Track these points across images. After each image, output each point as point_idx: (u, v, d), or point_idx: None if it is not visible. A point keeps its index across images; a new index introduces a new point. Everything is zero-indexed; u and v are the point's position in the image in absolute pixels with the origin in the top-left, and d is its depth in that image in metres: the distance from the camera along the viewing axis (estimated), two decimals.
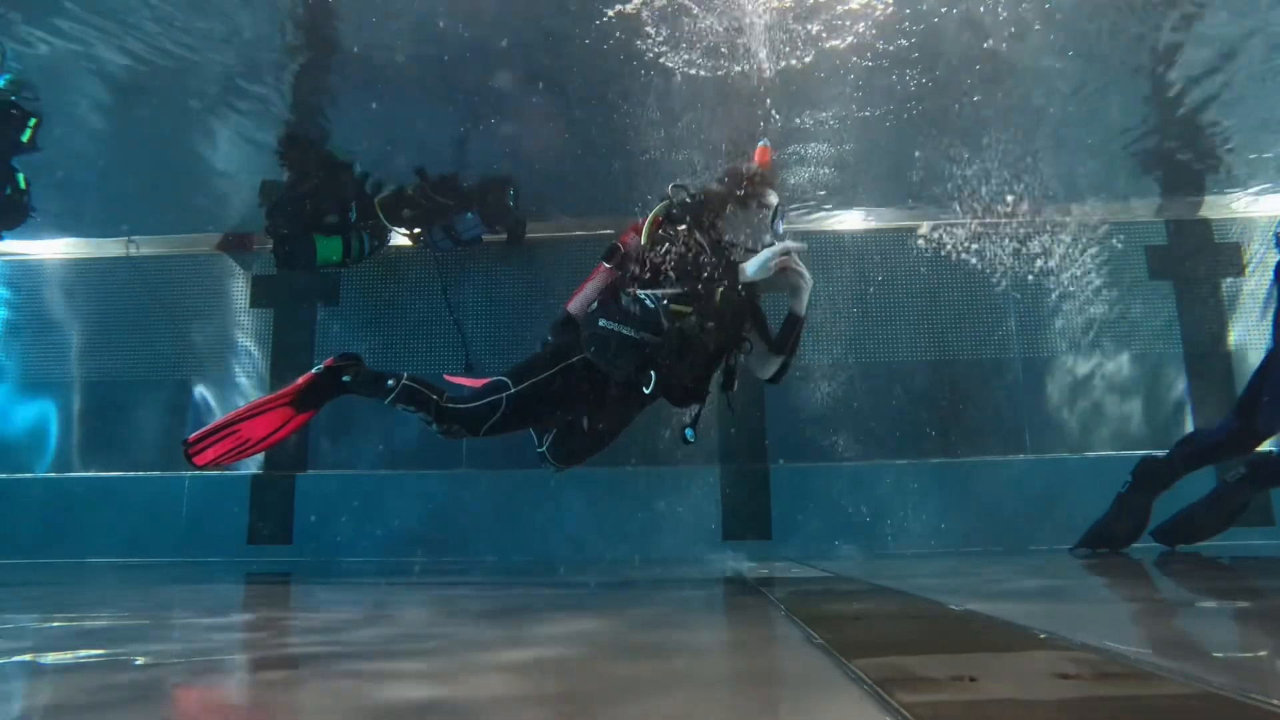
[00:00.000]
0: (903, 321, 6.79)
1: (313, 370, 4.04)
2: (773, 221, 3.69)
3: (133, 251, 7.27)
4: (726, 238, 3.74)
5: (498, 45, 4.91)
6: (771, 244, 3.68)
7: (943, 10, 4.66)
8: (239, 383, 7.02)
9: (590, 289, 3.89)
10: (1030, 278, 6.86)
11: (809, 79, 5.21)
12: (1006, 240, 6.92)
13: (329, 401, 4.07)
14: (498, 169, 6.51)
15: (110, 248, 7.28)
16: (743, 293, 3.66)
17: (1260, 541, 5.85)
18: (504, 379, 3.83)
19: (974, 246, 5.15)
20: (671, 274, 3.53)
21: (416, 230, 6.68)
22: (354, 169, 6.44)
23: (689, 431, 3.82)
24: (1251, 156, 6.36)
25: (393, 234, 6.86)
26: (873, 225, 7.05)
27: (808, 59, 5.01)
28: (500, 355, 6.70)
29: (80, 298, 7.25)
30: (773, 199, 3.70)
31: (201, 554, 6.47)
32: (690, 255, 3.55)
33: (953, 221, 6.59)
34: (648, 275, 3.56)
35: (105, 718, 1.44)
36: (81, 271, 7.28)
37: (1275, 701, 1.32)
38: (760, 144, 3.85)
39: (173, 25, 4.66)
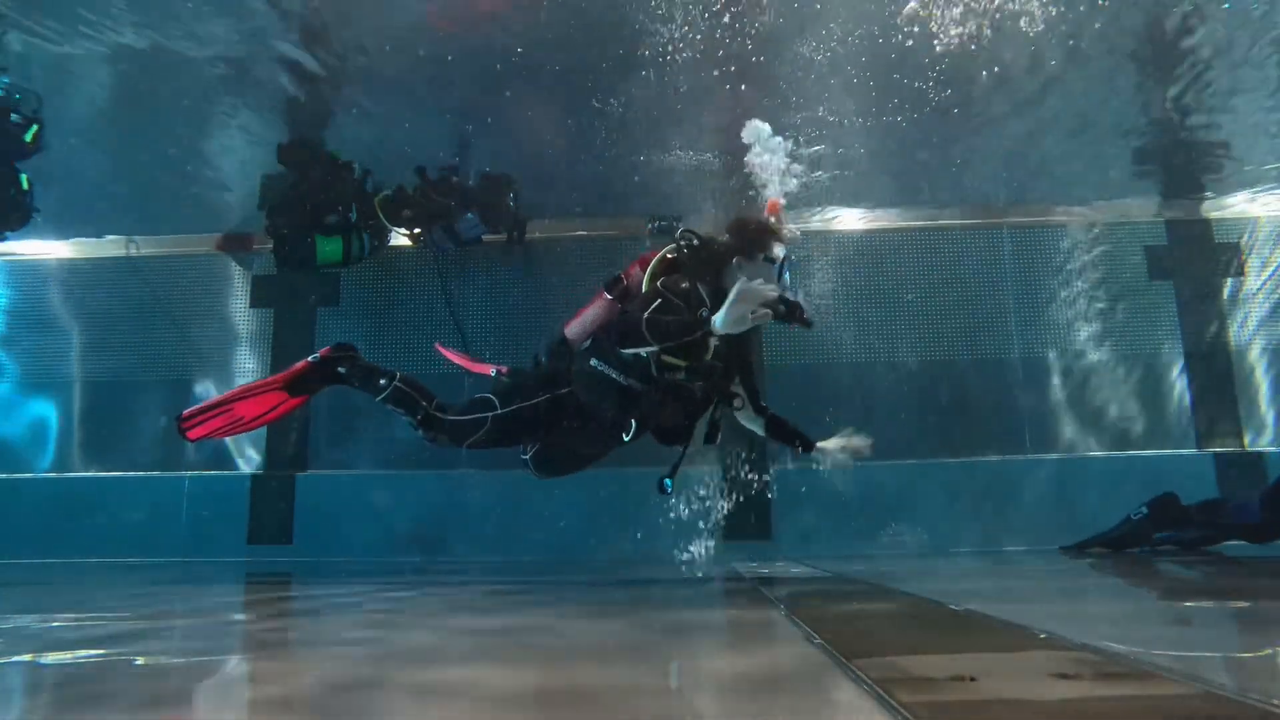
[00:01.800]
0: (903, 322, 6.79)
1: (308, 359, 4.03)
2: (779, 274, 3.66)
3: (133, 251, 7.27)
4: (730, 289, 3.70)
5: (498, 46, 4.91)
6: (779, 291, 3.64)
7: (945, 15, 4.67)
8: (239, 383, 7.00)
9: (589, 317, 3.87)
10: (1031, 278, 6.86)
11: (814, 80, 5.22)
12: (1007, 237, 6.93)
13: (321, 390, 4.07)
14: (498, 169, 6.51)
15: (110, 248, 7.28)
16: (724, 347, 3.63)
17: None
18: (491, 397, 3.82)
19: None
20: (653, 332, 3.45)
21: (416, 230, 6.67)
22: (354, 169, 6.44)
23: (668, 482, 3.80)
24: (1251, 157, 6.36)
25: (393, 234, 6.86)
26: (873, 225, 7.05)
27: (815, 63, 5.02)
28: (500, 355, 6.63)
29: (80, 298, 7.25)
30: (779, 251, 3.67)
31: (201, 554, 6.47)
32: (683, 308, 3.51)
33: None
34: (631, 329, 3.49)
35: (105, 718, 1.44)
36: (81, 271, 7.28)
37: (1276, 701, 1.32)
38: (771, 197, 3.85)
39: (174, 25, 4.66)
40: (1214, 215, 6.96)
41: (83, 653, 2.07)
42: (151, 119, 5.73)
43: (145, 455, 6.88)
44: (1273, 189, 6.78)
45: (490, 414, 3.77)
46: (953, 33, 4.79)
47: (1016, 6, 4.62)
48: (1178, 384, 6.64)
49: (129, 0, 4.46)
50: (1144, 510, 5.25)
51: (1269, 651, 1.90)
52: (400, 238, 6.90)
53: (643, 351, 3.52)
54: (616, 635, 2.40)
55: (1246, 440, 6.50)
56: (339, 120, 5.91)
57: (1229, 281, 6.82)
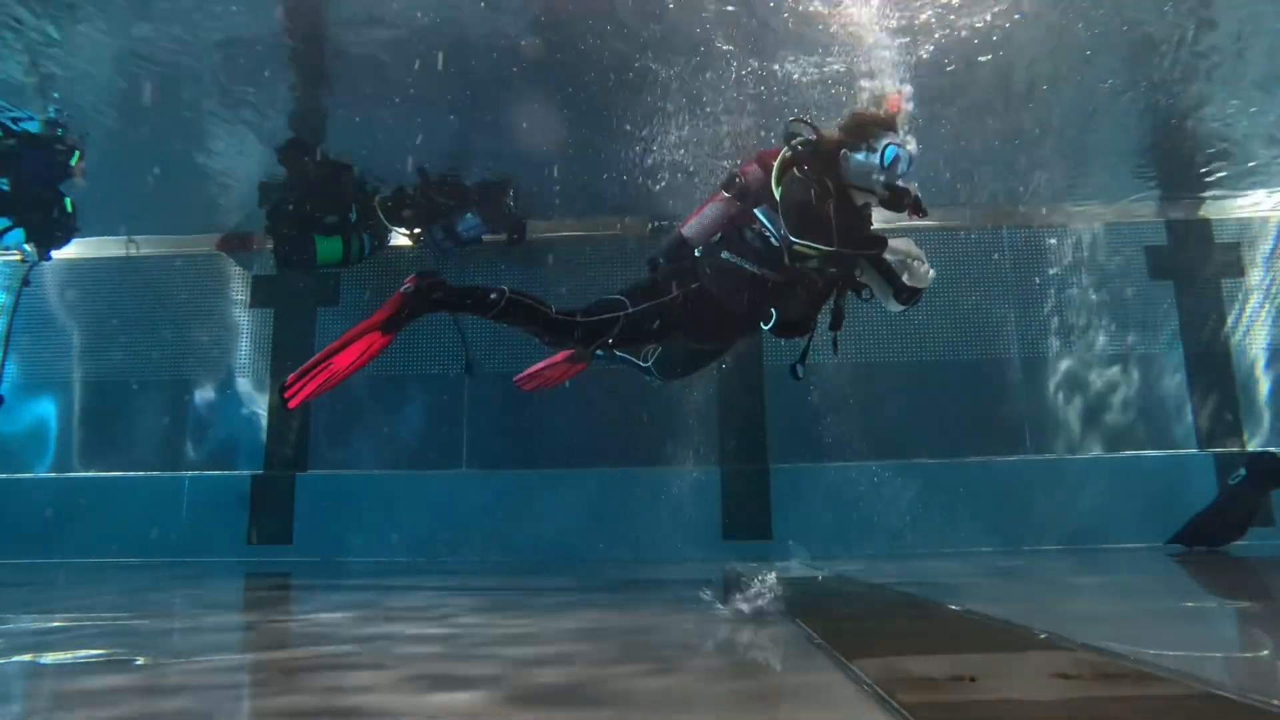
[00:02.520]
0: (904, 322, 6.77)
1: (399, 291, 3.92)
2: (884, 162, 3.65)
3: (133, 251, 7.27)
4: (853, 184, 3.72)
5: (499, 47, 4.91)
6: (900, 195, 3.69)
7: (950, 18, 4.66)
8: (239, 382, 7.02)
9: (708, 216, 3.87)
10: (1031, 278, 6.86)
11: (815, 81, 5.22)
12: (1008, 234, 6.93)
13: (416, 320, 3.89)
14: (498, 169, 6.50)
15: (110, 248, 7.28)
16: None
17: (1261, 542, 5.84)
18: (620, 298, 3.80)
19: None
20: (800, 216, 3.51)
21: (416, 230, 6.68)
22: (354, 169, 6.44)
23: (800, 369, 3.86)
24: (1251, 157, 6.35)
25: (393, 234, 6.86)
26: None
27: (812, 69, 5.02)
28: (501, 356, 6.68)
29: (80, 298, 7.25)
30: (885, 140, 3.67)
31: (201, 554, 6.46)
32: (824, 200, 3.55)
33: None
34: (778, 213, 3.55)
35: (105, 718, 1.44)
36: (81, 271, 7.28)
37: (1275, 702, 1.32)
38: (896, 90, 3.87)
39: (173, 26, 4.66)
40: (1214, 215, 6.96)
41: (83, 653, 2.07)
42: (152, 119, 5.72)
43: (145, 455, 6.88)
44: (1272, 189, 6.78)
45: (622, 313, 3.73)
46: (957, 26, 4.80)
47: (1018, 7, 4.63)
48: (1178, 384, 6.64)
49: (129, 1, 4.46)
50: (1242, 473, 5.17)
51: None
52: (400, 238, 6.90)
53: (773, 239, 3.59)
54: (617, 636, 2.40)
55: (1247, 440, 6.50)
56: (339, 120, 5.91)
57: (1229, 281, 6.82)
